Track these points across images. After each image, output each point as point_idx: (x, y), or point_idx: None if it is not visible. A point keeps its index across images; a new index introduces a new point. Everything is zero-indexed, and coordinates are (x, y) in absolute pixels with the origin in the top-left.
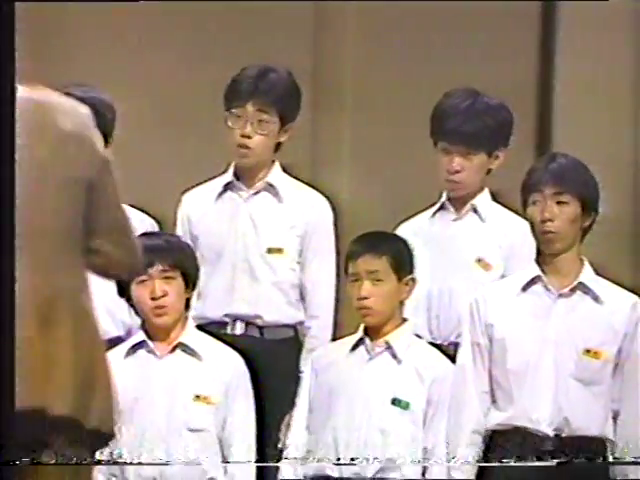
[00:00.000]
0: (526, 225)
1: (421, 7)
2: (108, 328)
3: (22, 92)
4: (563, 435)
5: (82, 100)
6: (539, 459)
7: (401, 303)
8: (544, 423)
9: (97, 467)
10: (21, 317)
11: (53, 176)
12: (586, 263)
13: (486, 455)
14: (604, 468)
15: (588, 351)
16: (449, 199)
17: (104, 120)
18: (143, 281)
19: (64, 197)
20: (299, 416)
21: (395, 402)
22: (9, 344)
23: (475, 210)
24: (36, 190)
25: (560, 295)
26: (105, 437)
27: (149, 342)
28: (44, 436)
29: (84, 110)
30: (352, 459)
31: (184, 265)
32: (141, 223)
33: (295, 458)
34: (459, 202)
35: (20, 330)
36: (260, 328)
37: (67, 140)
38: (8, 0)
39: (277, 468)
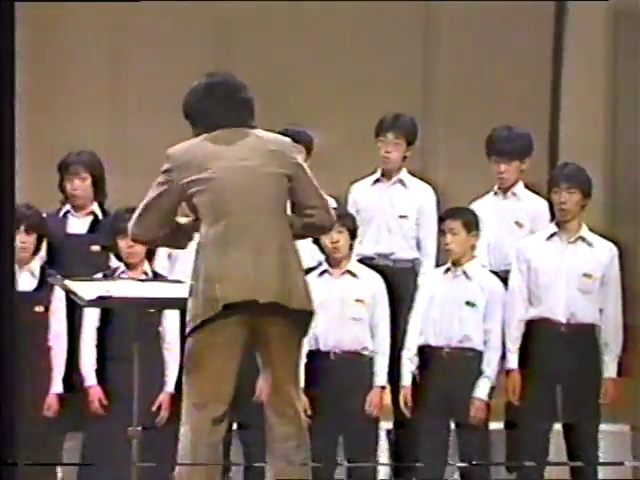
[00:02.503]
0: (543, 202)
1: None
2: (308, 261)
3: (244, 132)
4: (571, 322)
5: (291, 134)
6: (556, 338)
7: (472, 247)
8: (560, 315)
9: None
10: (240, 249)
11: (265, 170)
12: (584, 224)
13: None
14: (594, 347)
15: (585, 274)
16: (499, 188)
17: (305, 143)
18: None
19: (274, 186)
20: (416, 311)
21: (467, 303)
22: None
23: (514, 194)
24: (255, 179)
25: (569, 243)
26: (306, 314)
27: (330, 269)
28: (255, 318)
29: (285, 139)
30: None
31: (349, 224)
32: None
33: None
34: (505, 190)
35: (237, 257)
36: (393, 261)
37: (273, 155)
38: (8, 0)
39: (404, 337)
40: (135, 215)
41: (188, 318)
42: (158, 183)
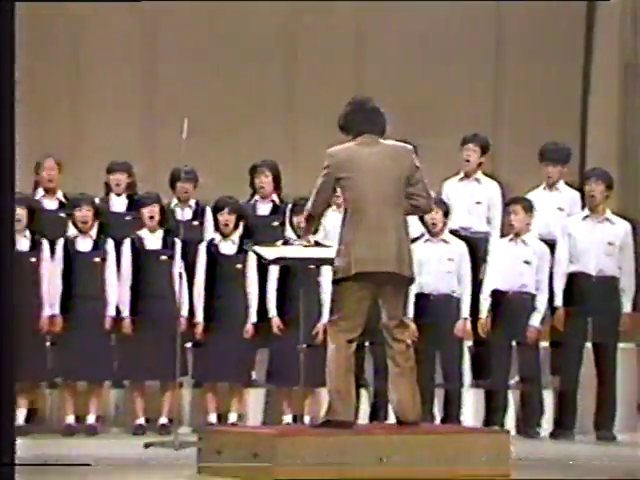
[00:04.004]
0: (577, 194)
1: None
2: (416, 232)
3: (379, 141)
4: (599, 275)
5: (409, 143)
6: (589, 285)
7: (528, 224)
8: (592, 270)
9: None
10: (370, 231)
11: (392, 173)
12: (607, 209)
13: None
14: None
15: (609, 243)
16: (547, 184)
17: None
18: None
19: (396, 185)
20: (490, 267)
21: (525, 262)
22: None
23: (557, 188)
24: (384, 179)
25: (598, 222)
26: (409, 279)
27: (430, 238)
28: (378, 280)
29: (408, 147)
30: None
31: (443, 208)
32: None
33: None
34: (550, 185)
35: (367, 235)
36: (472, 233)
37: (398, 158)
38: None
39: (481, 284)
40: (310, 197)
41: (333, 271)
42: (322, 175)
